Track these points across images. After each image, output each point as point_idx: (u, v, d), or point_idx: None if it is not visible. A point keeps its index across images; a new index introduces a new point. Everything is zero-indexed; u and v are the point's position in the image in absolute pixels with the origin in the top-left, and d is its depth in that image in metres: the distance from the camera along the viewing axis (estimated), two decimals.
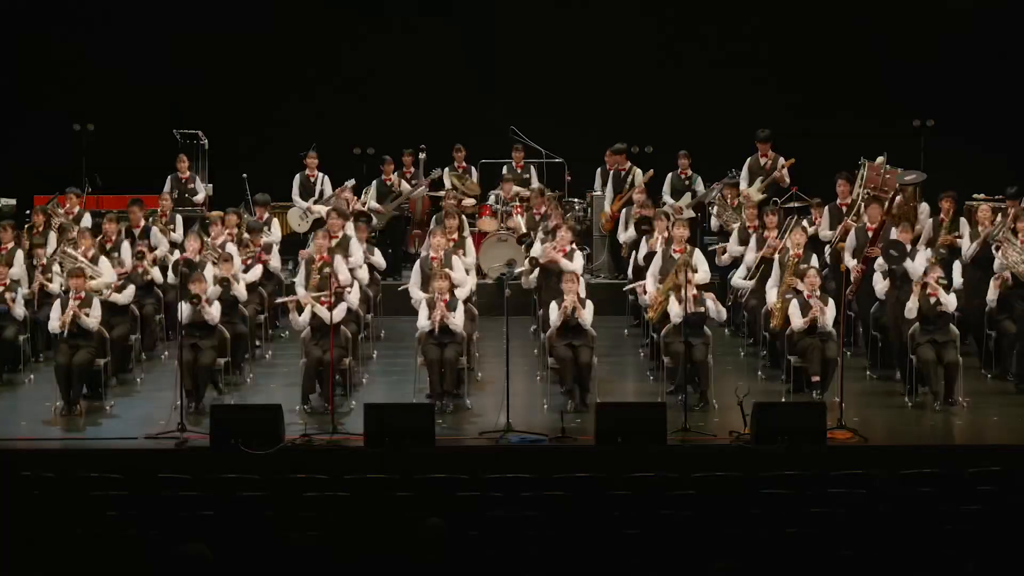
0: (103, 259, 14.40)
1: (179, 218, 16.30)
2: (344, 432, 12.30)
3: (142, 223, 15.76)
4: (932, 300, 13.21)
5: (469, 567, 8.90)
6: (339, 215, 14.89)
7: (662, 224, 14.88)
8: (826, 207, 15.41)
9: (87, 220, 16.03)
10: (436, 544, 7.92)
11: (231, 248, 14.67)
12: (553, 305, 13.43)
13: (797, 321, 13.34)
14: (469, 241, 15.43)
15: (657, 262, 14.19)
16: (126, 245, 14.98)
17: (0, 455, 11.90)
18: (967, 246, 14.51)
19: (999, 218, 14.48)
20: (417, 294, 13.97)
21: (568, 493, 10.65)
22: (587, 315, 13.38)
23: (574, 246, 14.68)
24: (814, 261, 14.01)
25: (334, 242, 14.41)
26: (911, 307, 13.26)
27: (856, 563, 9.70)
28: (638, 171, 17.11)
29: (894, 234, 13.88)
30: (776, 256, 14.27)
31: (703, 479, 10.87)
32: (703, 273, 13.96)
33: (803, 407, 12.68)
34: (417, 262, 14.42)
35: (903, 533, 10.04)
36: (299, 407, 13.07)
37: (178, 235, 15.92)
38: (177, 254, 15.16)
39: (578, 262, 14.42)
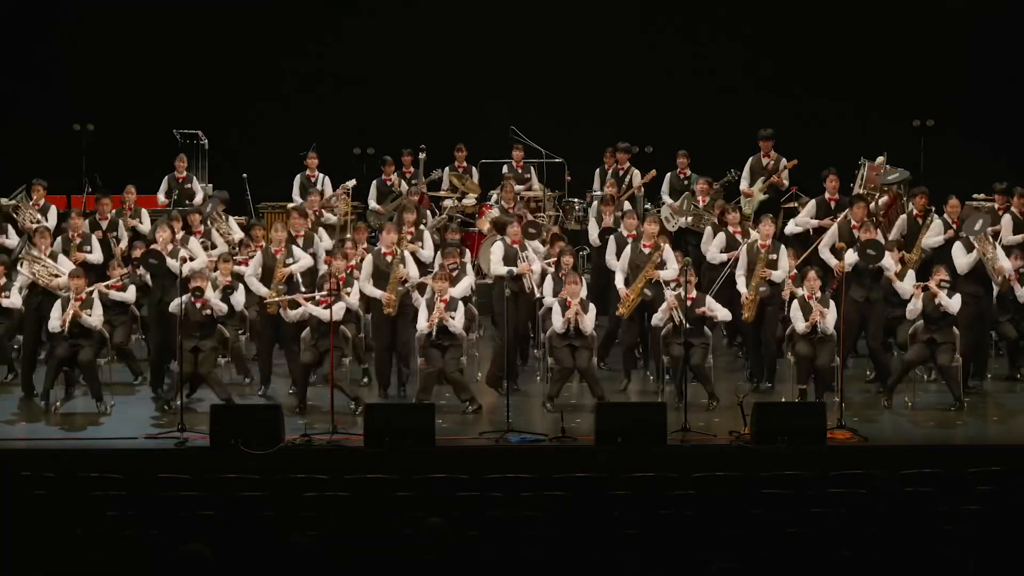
0: (62, 257, 14.28)
1: (144, 212, 16.24)
2: (344, 432, 12.31)
3: (109, 215, 15.75)
4: (936, 301, 13.22)
5: (469, 567, 8.89)
6: (299, 215, 14.84)
7: (632, 223, 14.69)
8: (813, 199, 15.29)
9: (53, 213, 15.91)
10: (436, 544, 7.91)
11: (194, 244, 14.54)
12: (556, 308, 13.42)
13: (800, 324, 13.30)
14: (427, 234, 15.18)
15: (626, 257, 13.98)
16: (95, 238, 15.01)
17: (0, 455, 11.90)
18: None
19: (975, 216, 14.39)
20: (369, 289, 13.68)
21: (568, 493, 10.65)
22: (589, 321, 13.38)
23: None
24: (783, 252, 13.80)
25: (300, 240, 14.32)
26: (913, 309, 13.23)
27: (856, 563, 9.69)
28: (636, 172, 17.08)
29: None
30: (744, 246, 14.05)
31: (703, 479, 10.87)
32: (670, 271, 13.73)
33: (803, 407, 12.67)
34: (369, 255, 14.04)
35: (903, 533, 10.03)
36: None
37: (144, 227, 15.87)
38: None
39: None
